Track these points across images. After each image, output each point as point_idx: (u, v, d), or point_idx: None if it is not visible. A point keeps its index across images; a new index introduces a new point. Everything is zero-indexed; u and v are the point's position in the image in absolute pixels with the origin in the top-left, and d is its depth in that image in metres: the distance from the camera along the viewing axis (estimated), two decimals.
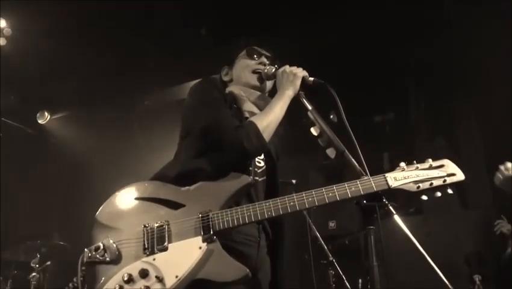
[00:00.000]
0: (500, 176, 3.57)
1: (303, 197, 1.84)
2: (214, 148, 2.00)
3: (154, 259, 1.81)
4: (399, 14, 5.02)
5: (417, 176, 1.82)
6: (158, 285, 1.76)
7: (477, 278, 3.99)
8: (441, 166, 1.84)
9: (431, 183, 1.81)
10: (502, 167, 3.55)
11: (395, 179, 1.81)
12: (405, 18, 5.03)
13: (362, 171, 1.85)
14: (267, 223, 2.17)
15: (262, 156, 2.20)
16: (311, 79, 2.16)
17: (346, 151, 1.91)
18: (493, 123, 5.17)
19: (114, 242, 1.86)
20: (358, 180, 1.82)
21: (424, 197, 1.82)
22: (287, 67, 2.19)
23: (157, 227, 1.87)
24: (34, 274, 4.85)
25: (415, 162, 1.87)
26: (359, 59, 5.43)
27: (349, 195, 1.80)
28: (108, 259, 1.83)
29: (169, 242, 1.84)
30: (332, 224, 5.33)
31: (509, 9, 4.44)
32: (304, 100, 2.13)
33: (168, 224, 1.87)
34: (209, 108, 2.10)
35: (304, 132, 2.12)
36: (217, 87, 2.25)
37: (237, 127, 2.00)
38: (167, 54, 5.74)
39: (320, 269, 4.02)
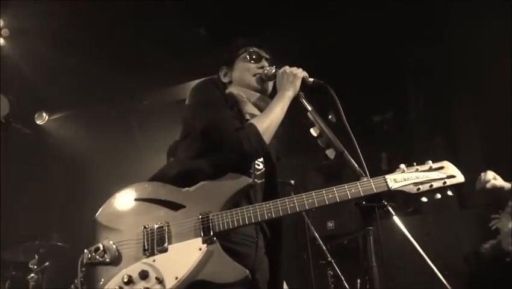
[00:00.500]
0: (477, 183, 3.47)
1: (303, 198, 1.83)
2: (214, 148, 2.00)
3: (154, 261, 1.81)
4: (399, 14, 5.03)
5: (417, 177, 1.82)
6: (158, 286, 1.75)
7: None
8: (441, 168, 1.84)
9: (431, 185, 1.81)
10: (482, 175, 3.46)
11: (395, 180, 1.82)
12: (405, 18, 5.03)
13: (361, 172, 1.85)
14: (265, 223, 2.16)
15: (261, 159, 2.19)
16: (311, 79, 2.15)
17: (346, 152, 1.92)
18: (492, 124, 5.17)
19: (113, 243, 1.85)
20: (357, 182, 1.82)
21: (424, 199, 1.83)
22: (286, 68, 2.18)
23: (157, 228, 1.86)
24: (32, 275, 4.85)
25: (415, 163, 1.87)
26: (359, 59, 5.43)
27: (349, 197, 1.81)
28: (107, 260, 1.83)
29: (169, 243, 1.84)
30: (330, 224, 5.32)
31: (509, 9, 4.44)
32: (304, 100, 2.13)
33: (168, 225, 1.87)
34: (211, 109, 2.09)
35: (304, 132, 2.12)
36: (219, 87, 2.23)
37: (238, 129, 1.99)
38: (167, 54, 5.73)
39: (319, 269, 4.01)
